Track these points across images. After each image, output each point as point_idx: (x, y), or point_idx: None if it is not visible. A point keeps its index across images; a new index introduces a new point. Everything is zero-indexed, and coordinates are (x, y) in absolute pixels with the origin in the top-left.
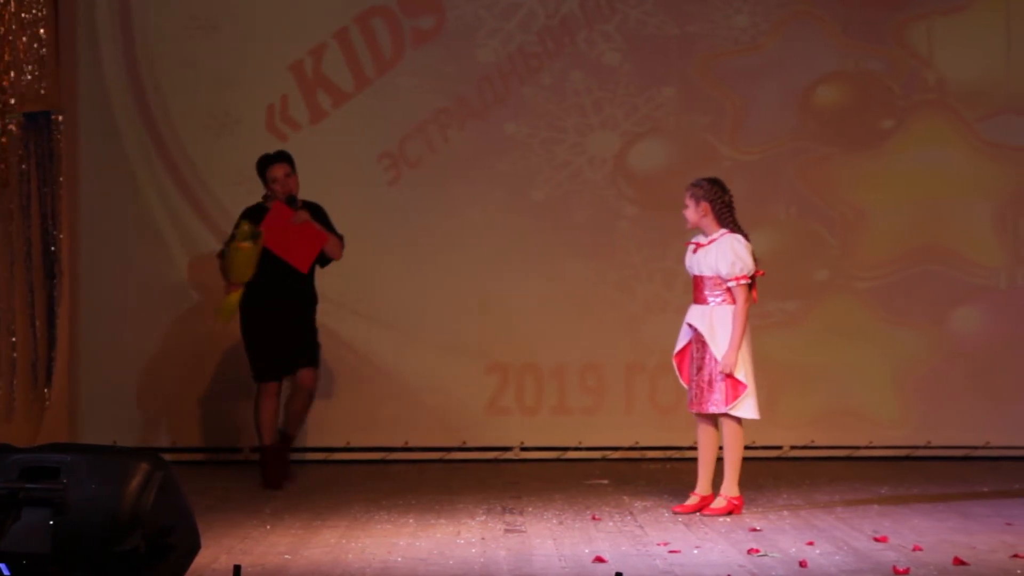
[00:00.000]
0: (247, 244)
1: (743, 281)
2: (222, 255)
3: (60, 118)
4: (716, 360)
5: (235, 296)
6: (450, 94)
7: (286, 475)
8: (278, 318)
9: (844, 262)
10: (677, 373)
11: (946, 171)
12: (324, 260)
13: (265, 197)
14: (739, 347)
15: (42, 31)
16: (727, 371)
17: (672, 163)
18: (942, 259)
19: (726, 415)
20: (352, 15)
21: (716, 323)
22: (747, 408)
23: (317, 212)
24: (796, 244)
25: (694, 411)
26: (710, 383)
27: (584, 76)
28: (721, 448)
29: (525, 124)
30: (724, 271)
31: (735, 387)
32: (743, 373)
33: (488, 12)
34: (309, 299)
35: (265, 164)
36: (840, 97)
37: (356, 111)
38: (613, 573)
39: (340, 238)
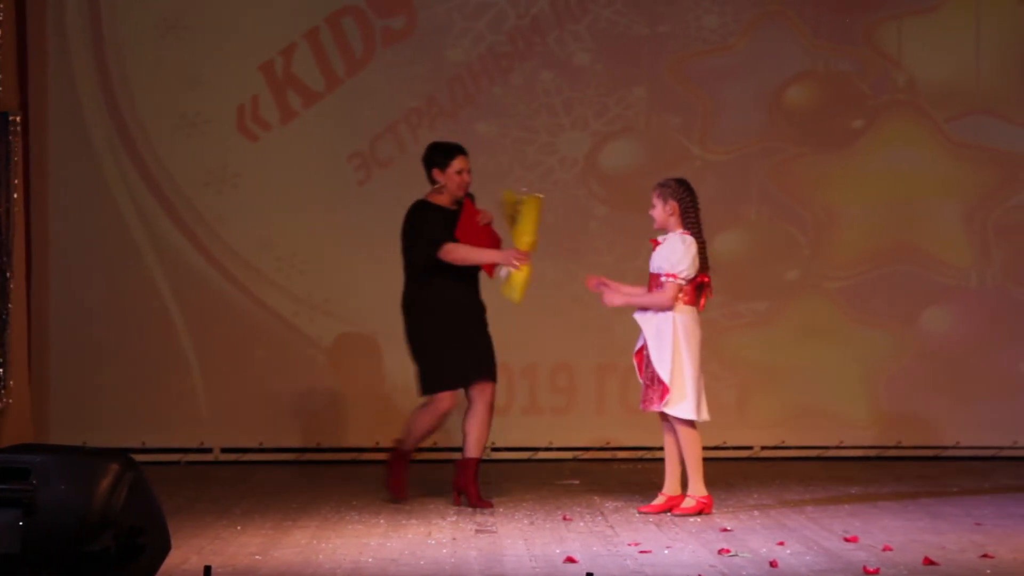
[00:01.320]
0: (538, 196)
1: (670, 279)
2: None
3: (17, 119)
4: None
5: (526, 269)
6: (420, 94)
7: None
8: (474, 322)
9: (815, 262)
10: (636, 371)
11: (916, 171)
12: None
13: (436, 187)
14: (625, 300)
15: None
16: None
17: (643, 163)
18: (912, 259)
19: (676, 417)
20: (322, 15)
21: (661, 322)
22: (682, 409)
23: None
24: (767, 244)
25: (643, 409)
26: (650, 381)
27: (555, 76)
28: None
29: (496, 124)
30: (663, 266)
31: (663, 387)
32: (666, 372)
33: (459, 12)
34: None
35: (450, 153)
36: (810, 97)
37: (326, 111)
38: (584, 573)
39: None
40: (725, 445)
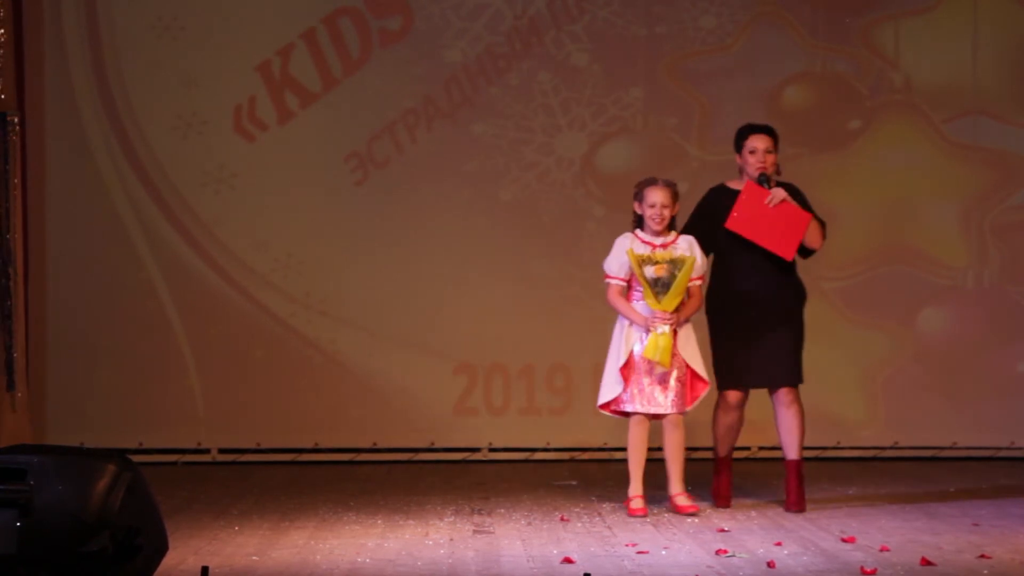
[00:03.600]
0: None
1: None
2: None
3: (16, 119)
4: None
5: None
6: (418, 95)
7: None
8: (757, 315)
9: (811, 262)
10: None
11: (913, 172)
12: (805, 251)
13: (741, 171)
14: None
15: (1, 31)
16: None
17: (640, 164)
18: (909, 259)
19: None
20: (320, 16)
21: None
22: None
23: (794, 194)
24: None
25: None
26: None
27: (552, 77)
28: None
29: (493, 125)
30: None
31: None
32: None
33: (455, 13)
34: (794, 295)
35: (745, 133)
36: (807, 98)
37: (324, 111)
38: (581, 574)
39: (822, 224)
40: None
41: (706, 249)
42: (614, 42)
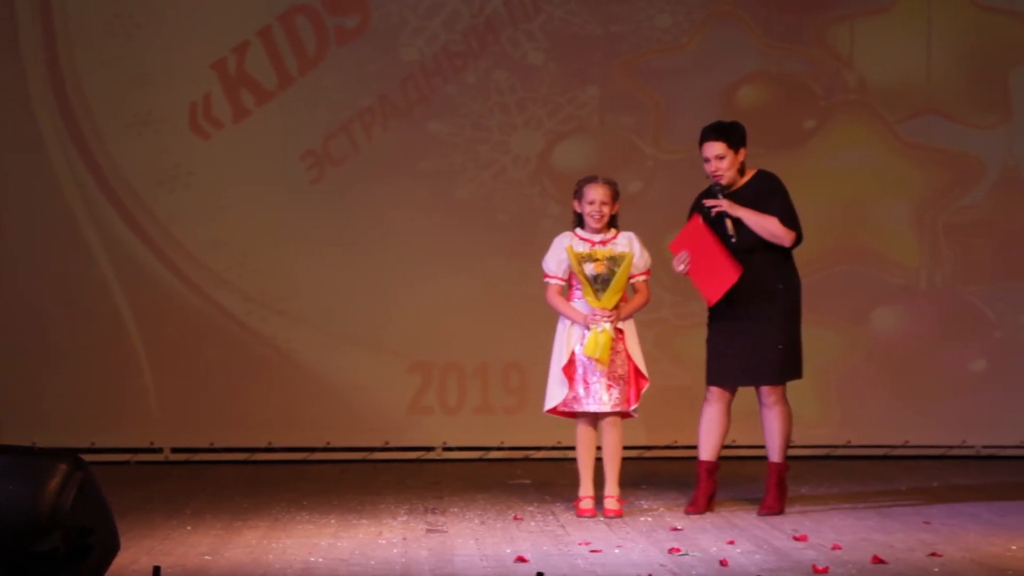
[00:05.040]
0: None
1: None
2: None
3: None
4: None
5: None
6: (374, 93)
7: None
8: (744, 313)
9: None
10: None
11: (867, 171)
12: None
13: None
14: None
15: None
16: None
17: (596, 162)
18: (862, 259)
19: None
20: (275, 13)
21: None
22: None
23: (764, 179)
24: None
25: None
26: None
27: (508, 75)
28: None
29: (449, 123)
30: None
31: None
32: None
33: (412, 11)
34: (786, 291)
35: (700, 139)
36: (762, 97)
37: (279, 109)
38: (534, 573)
39: (789, 222)
40: (676, 444)
41: None
42: (570, 41)
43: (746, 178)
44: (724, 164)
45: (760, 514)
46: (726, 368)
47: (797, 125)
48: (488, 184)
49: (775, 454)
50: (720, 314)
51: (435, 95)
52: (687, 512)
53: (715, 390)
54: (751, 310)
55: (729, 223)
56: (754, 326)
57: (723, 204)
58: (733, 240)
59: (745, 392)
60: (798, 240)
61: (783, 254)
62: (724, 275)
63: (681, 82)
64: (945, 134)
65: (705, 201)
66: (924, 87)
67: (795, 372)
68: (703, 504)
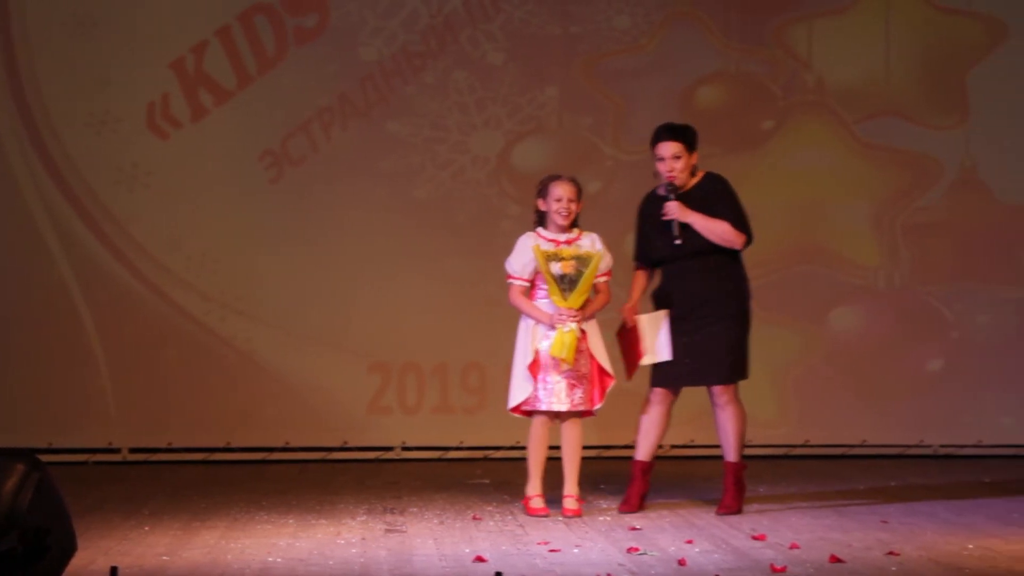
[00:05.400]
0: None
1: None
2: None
3: None
4: None
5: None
6: (333, 92)
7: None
8: (691, 314)
9: None
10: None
11: (825, 172)
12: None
13: (655, 176)
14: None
15: None
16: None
17: (555, 163)
18: (821, 259)
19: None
20: (234, 13)
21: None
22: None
23: (713, 183)
24: None
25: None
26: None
27: (467, 75)
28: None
29: (408, 123)
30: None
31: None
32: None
33: (371, 11)
34: (735, 292)
35: (654, 139)
36: (721, 98)
37: (238, 109)
38: (493, 572)
39: (741, 224)
40: (634, 444)
41: (650, 252)
42: (529, 41)
43: (696, 180)
44: (680, 165)
45: (719, 513)
46: (673, 369)
47: (756, 125)
48: (447, 184)
49: (731, 453)
50: (667, 314)
51: (394, 95)
52: (620, 511)
53: (659, 391)
54: (700, 312)
55: (676, 226)
56: (703, 328)
57: (675, 212)
58: (677, 243)
59: (701, 391)
60: (748, 242)
61: (732, 256)
62: (631, 356)
63: (640, 83)
64: (903, 135)
65: (665, 210)
66: (882, 88)
67: (743, 372)
68: (636, 503)
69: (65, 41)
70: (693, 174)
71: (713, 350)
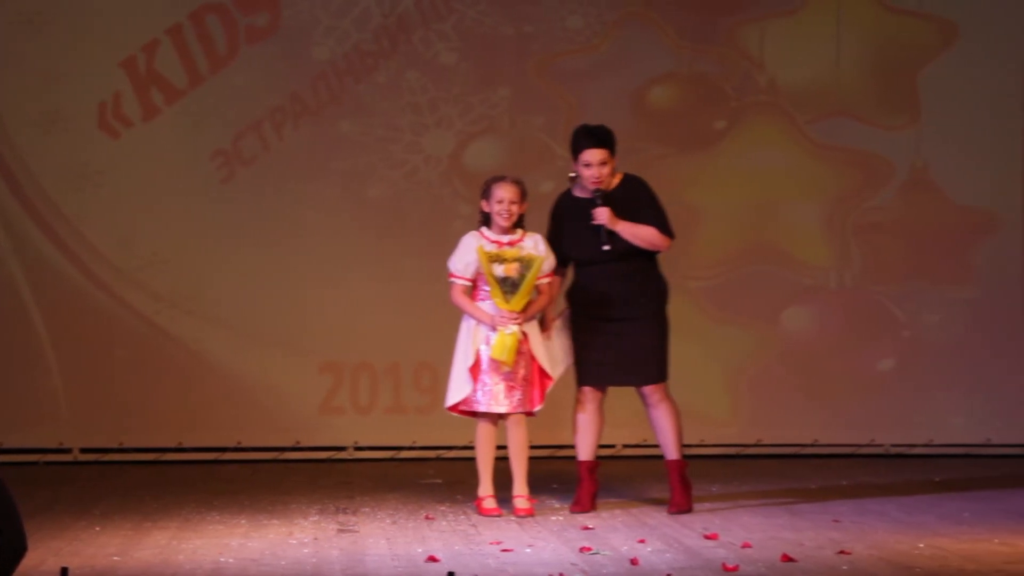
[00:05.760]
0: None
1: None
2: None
3: None
4: None
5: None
6: (285, 92)
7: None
8: (615, 315)
9: (678, 262)
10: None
11: (777, 172)
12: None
13: (573, 178)
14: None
15: None
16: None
17: (507, 163)
18: (773, 259)
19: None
20: (186, 12)
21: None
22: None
23: (636, 188)
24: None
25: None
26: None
27: (420, 75)
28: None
29: (360, 123)
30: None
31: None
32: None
33: (324, 10)
34: (655, 293)
35: (579, 146)
36: (674, 98)
37: (190, 108)
38: (446, 572)
39: (661, 225)
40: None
41: (564, 252)
42: (482, 41)
43: (616, 181)
44: (606, 171)
45: (671, 512)
46: (600, 369)
47: (708, 125)
48: (399, 184)
49: (671, 451)
50: (588, 315)
51: (346, 94)
52: (572, 511)
53: (588, 391)
54: (624, 312)
55: (604, 233)
56: (628, 328)
57: (604, 219)
58: (606, 248)
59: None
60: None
61: (652, 258)
62: (542, 381)
63: (593, 83)
64: (854, 135)
65: (594, 216)
66: (834, 88)
67: (667, 372)
68: (587, 503)
69: (15, 40)
70: (612, 174)
71: (639, 351)
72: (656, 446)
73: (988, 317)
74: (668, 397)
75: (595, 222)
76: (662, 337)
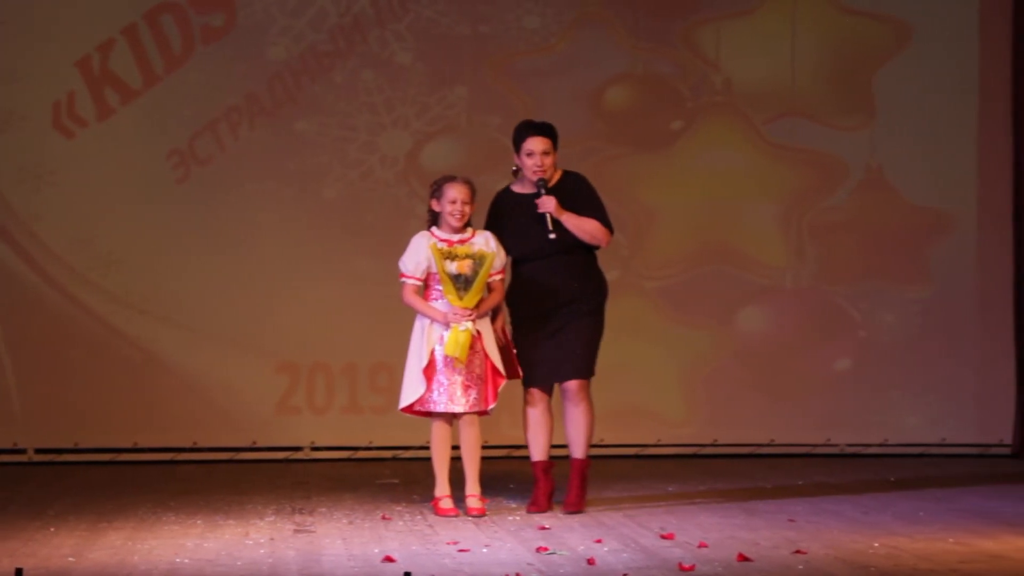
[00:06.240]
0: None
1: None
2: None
3: None
4: None
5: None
6: (241, 92)
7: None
8: (551, 312)
9: (634, 262)
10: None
11: (733, 172)
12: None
13: (515, 171)
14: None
15: None
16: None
17: (464, 163)
18: (729, 259)
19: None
20: (140, 11)
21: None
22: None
23: (577, 185)
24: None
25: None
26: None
27: (376, 75)
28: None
29: (316, 123)
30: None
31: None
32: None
33: (279, 10)
34: (594, 291)
35: (523, 134)
36: (630, 98)
37: (145, 108)
38: (402, 573)
39: (603, 220)
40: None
41: (508, 249)
42: (438, 41)
43: (557, 177)
44: (549, 160)
45: (566, 512)
46: (544, 369)
47: (664, 126)
48: (356, 184)
49: (579, 450)
50: (532, 313)
51: (302, 94)
52: (529, 511)
53: (535, 391)
54: (569, 306)
55: (549, 220)
56: (566, 324)
57: (550, 206)
58: (552, 236)
59: (619, 390)
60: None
61: (593, 254)
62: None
63: (549, 83)
64: (810, 135)
65: (539, 205)
66: (789, 89)
67: (594, 369)
68: (544, 503)
69: None
70: (554, 169)
71: (572, 345)
72: (614, 445)
73: (943, 317)
74: (589, 397)
75: (540, 210)
76: (598, 334)
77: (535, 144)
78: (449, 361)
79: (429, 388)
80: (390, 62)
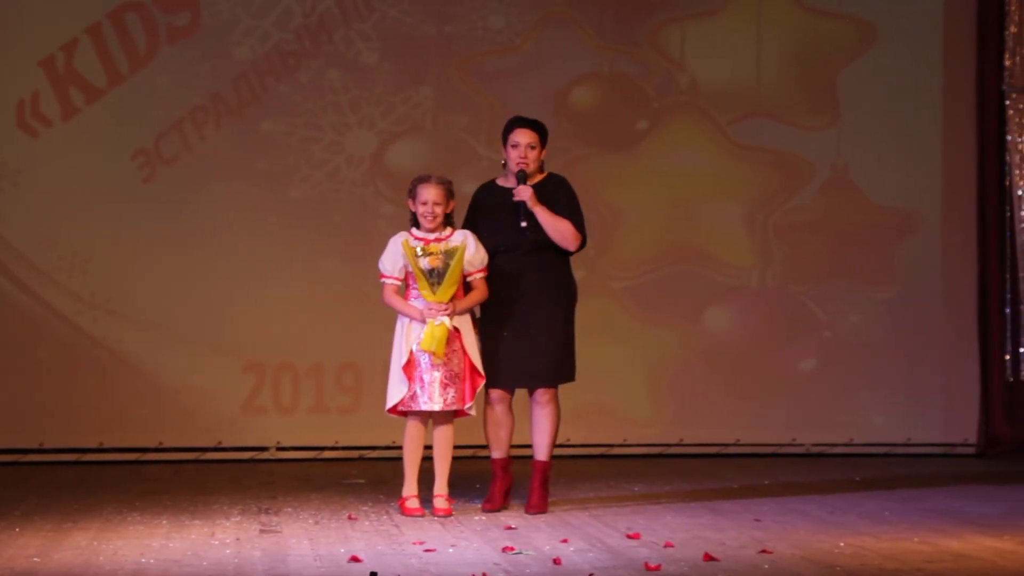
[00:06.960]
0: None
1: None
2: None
3: None
4: None
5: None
6: (206, 92)
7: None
8: (519, 315)
9: (600, 262)
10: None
11: (699, 172)
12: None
13: (504, 165)
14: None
15: None
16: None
17: (430, 162)
18: (695, 259)
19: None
20: (104, 10)
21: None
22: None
23: (557, 187)
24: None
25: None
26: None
27: (341, 75)
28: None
29: (282, 123)
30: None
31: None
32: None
33: (244, 10)
34: (563, 296)
35: (510, 126)
36: (595, 98)
37: (110, 108)
38: (368, 573)
39: (577, 224)
40: (512, 444)
41: (489, 242)
42: (404, 41)
43: (540, 177)
44: (534, 154)
45: (528, 513)
46: (507, 370)
47: (630, 126)
48: (322, 184)
49: (543, 453)
50: (500, 312)
51: (268, 94)
52: (484, 509)
53: (497, 391)
54: (532, 311)
55: (523, 210)
56: (533, 327)
57: (525, 195)
58: (523, 225)
59: (585, 390)
60: (582, 246)
61: (564, 257)
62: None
63: (515, 83)
64: (775, 135)
65: (515, 192)
66: (754, 89)
67: (570, 374)
68: (499, 500)
69: None
70: (541, 170)
71: (542, 351)
72: (582, 445)
73: (908, 317)
74: (557, 399)
75: (516, 199)
76: (566, 339)
77: (520, 136)
78: (429, 360)
79: (411, 387)
80: (356, 62)
